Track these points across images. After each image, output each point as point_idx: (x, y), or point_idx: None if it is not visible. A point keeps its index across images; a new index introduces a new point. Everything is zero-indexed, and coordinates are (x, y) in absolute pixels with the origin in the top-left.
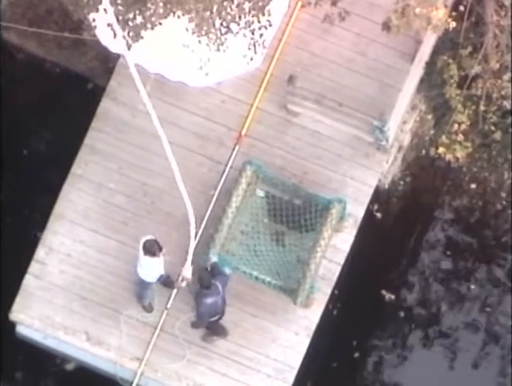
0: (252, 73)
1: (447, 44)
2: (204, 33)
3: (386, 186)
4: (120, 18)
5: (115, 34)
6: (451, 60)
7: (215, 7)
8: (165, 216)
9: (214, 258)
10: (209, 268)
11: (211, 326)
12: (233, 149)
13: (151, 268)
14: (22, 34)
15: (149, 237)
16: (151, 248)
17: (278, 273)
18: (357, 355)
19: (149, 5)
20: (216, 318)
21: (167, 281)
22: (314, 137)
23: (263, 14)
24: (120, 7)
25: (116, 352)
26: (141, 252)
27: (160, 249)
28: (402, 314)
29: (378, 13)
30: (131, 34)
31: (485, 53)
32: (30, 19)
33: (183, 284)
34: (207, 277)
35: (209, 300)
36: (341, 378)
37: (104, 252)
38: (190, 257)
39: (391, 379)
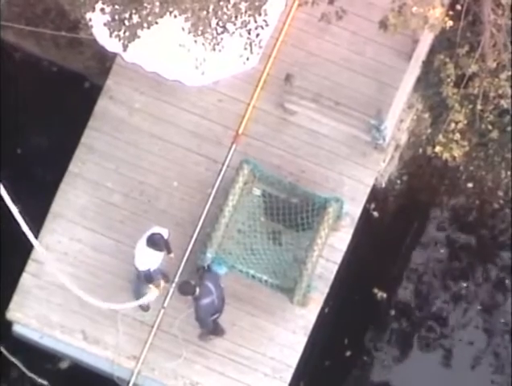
0: (249, 72)
1: (444, 43)
2: (200, 32)
3: (383, 185)
4: (116, 17)
5: (111, 34)
6: (448, 59)
7: (211, 7)
8: (161, 215)
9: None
10: (207, 267)
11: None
12: (230, 148)
13: (147, 258)
14: (19, 33)
15: (159, 231)
16: (157, 242)
17: (274, 271)
18: (348, 353)
19: (145, 4)
20: (216, 315)
21: (148, 276)
22: (311, 135)
23: (260, 14)
24: (116, 6)
25: (113, 351)
26: (144, 240)
27: (168, 251)
28: (397, 313)
29: (375, 12)
30: (127, 33)
31: (482, 52)
32: (27, 18)
33: (162, 283)
34: (188, 287)
35: (204, 301)
36: (333, 377)
37: (101, 251)
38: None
39: (383, 377)
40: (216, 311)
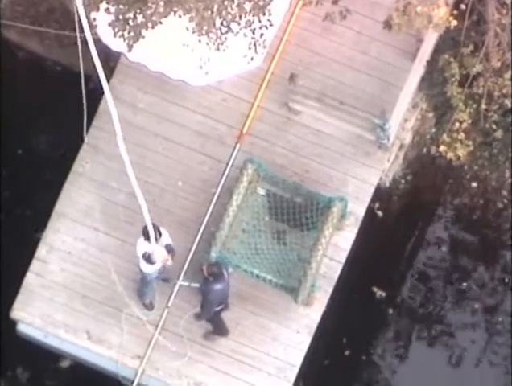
0: (253, 71)
1: (448, 43)
2: (204, 32)
3: (387, 185)
4: (121, 17)
5: (116, 33)
6: (452, 59)
7: (215, 6)
8: (166, 214)
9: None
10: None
11: (214, 319)
12: (235, 147)
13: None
14: (23, 32)
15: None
16: (145, 232)
17: (279, 271)
18: (347, 352)
19: (149, 4)
20: (221, 307)
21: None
22: (315, 135)
23: (264, 14)
24: (121, 6)
25: (117, 350)
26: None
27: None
28: (397, 312)
29: (380, 11)
30: (132, 33)
31: (486, 51)
32: (31, 18)
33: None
34: (217, 269)
35: (218, 286)
36: (332, 376)
37: (105, 251)
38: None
39: (382, 376)
40: (222, 300)
